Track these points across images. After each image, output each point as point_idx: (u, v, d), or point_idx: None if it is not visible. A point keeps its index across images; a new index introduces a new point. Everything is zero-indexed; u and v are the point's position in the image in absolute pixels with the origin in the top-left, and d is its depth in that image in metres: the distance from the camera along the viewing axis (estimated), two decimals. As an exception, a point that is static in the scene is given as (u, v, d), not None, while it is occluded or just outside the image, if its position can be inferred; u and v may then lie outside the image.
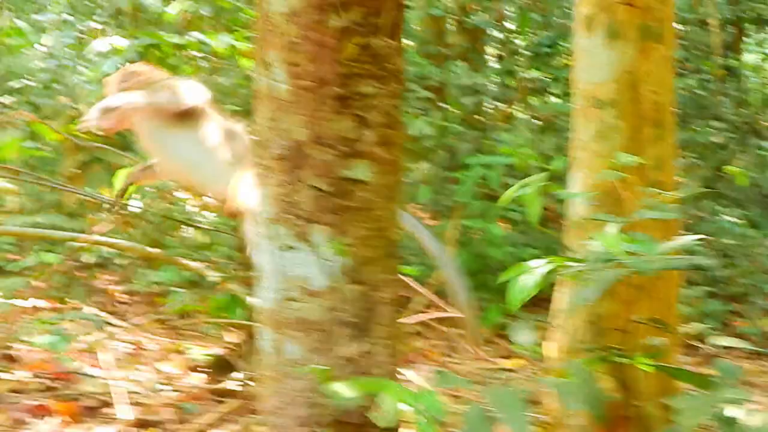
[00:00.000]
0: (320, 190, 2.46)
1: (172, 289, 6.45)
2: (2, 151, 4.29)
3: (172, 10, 4.89)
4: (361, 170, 2.47)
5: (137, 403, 3.81)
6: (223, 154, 3.64)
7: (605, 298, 2.68)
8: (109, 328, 5.41)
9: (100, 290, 6.38)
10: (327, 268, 2.46)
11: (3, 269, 7.33)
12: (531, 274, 2.51)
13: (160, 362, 4.93)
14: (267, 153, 2.51)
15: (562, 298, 3.43)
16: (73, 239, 5.08)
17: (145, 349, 5.17)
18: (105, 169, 6.43)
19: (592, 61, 3.36)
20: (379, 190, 2.51)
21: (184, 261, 4.66)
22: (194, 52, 4.89)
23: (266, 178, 2.52)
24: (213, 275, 4.33)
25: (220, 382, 4.17)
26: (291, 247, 2.48)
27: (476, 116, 8.49)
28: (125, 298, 6.73)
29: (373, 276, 2.51)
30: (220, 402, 3.93)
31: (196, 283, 6.37)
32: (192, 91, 3.69)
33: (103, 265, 6.68)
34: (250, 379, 3.96)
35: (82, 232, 5.65)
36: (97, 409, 3.78)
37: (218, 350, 4.59)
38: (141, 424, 3.61)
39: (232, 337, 4.61)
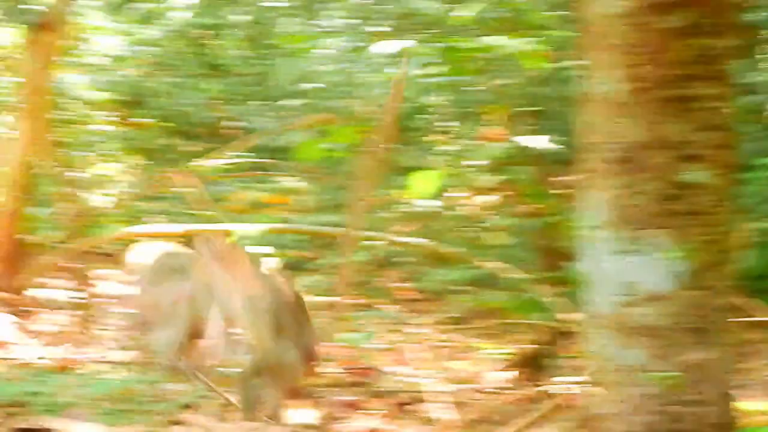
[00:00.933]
0: (657, 193, 2.41)
1: (460, 288, 6.55)
2: (301, 153, 4.47)
3: (465, 13, 4.93)
4: (698, 173, 2.41)
5: (448, 402, 3.85)
6: None
7: None
8: (402, 326, 5.55)
9: (387, 288, 6.56)
10: (668, 273, 2.40)
11: (301, 267, 7.68)
12: None
13: (455, 360, 5.00)
14: (599, 157, 2.48)
15: None
16: (369, 238, 5.24)
17: (438, 348, 5.26)
18: (392, 170, 6.59)
19: None
20: (716, 193, 2.43)
21: (482, 260, 4.69)
22: (484, 55, 4.91)
23: (598, 182, 2.50)
24: (512, 275, 4.34)
25: (528, 382, 4.17)
26: (627, 252, 2.44)
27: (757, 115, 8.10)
28: (414, 296, 6.88)
29: (713, 281, 2.43)
30: (525, 401, 3.93)
31: (483, 282, 6.42)
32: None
33: (388, 264, 6.85)
34: (569, 383, 3.94)
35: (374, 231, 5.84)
36: (406, 405, 3.87)
37: (521, 349, 4.58)
38: (456, 423, 3.64)
39: (529, 337, 4.61)
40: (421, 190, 3.98)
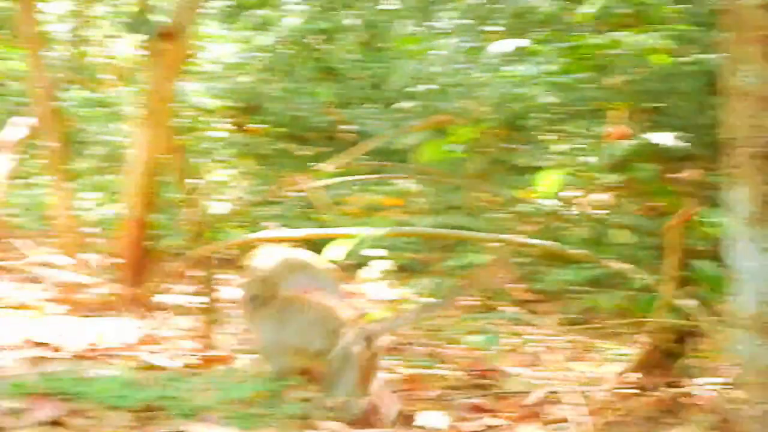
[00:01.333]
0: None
1: (580, 288, 6.45)
2: (423, 154, 4.46)
3: (588, 10, 4.85)
4: None
5: (575, 404, 3.79)
6: None
7: None
8: (520, 327, 5.50)
9: (507, 290, 6.51)
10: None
11: (413, 269, 7.68)
12: None
13: (577, 361, 4.93)
14: (743, 152, 2.41)
15: None
16: (490, 240, 5.19)
17: (560, 348, 5.19)
18: (508, 170, 6.55)
19: None
20: None
21: (605, 260, 4.60)
22: (608, 51, 4.83)
23: (742, 177, 2.42)
24: (636, 275, 4.24)
25: (656, 383, 4.08)
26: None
27: None
28: (532, 297, 6.82)
29: None
30: (657, 403, 3.84)
31: (604, 282, 6.32)
32: None
33: (507, 265, 6.79)
34: (703, 384, 3.84)
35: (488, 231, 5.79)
36: (532, 407, 3.82)
37: (646, 350, 4.48)
38: (588, 426, 3.58)
39: (654, 338, 4.51)
40: (544, 189, 3.91)
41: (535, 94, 5.96)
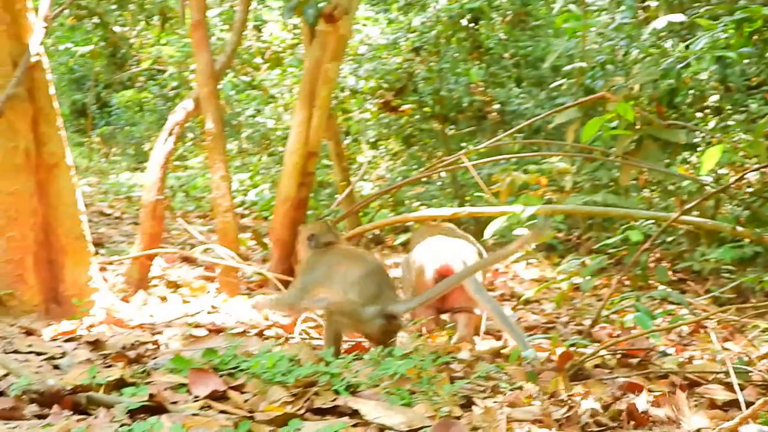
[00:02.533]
0: None
1: (733, 267, 6.31)
2: (585, 133, 4.42)
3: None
4: None
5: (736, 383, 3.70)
6: None
7: None
8: (672, 306, 5.40)
9: (658, 269, 6.41)
10: None
11: (554, 247, 7.64)
12: None
13: (730, 341, 4.82)
14: None
15: None
16: (649, 217, 5.13)
17: (705, 328, 5.08)
18: (660, 147, 6.43)
19: None
20: None
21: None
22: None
23: None
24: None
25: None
26: None
27: None
28: (684, 276, 6.70)
29: None
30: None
31: (755, 261, 6.16)
32: None
33: (658, 243, 6.68)
34: None
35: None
36: (688, 387, 3.75)
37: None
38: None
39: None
40: (706, 166, 3.82)
41: (695, 69, 5.83)
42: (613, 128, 5.50)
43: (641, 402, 3.29)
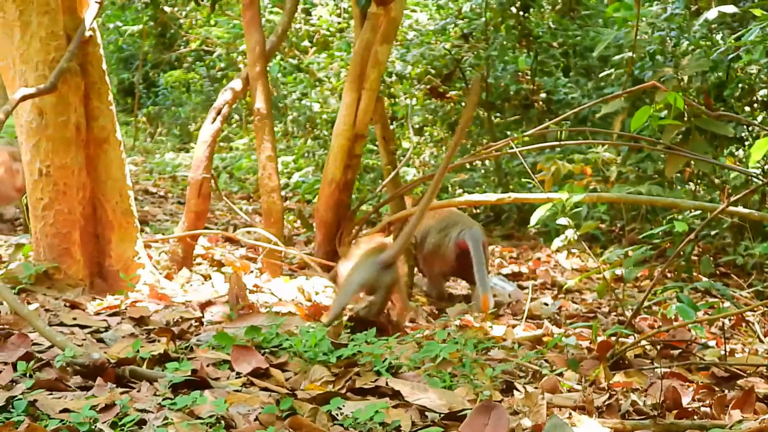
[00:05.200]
0: None
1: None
2: (635, 122, 4.38)
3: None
4: None
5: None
6: None
7: None
8: (714, 299, 5.36)
9: (702, 261, 6.37)
10: None
11: (597, 237, 7.61)
12: None
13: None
14: None
15: None
16: (696, 207, 5.10)
17: (747, 321, 5.04)
18: (708, 139, 6.38)
19: None
20: None
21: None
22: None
23: None
24: None
25: None
26: None
27: None
28: (726, 269, 6.65)
29: None
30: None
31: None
32: None
33: (698, 236, 6.64)
34: None
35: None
36: (729, 379, 3.74)
37: None
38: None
39: None
40: (756, 157, 3.77)
41: (746, 61, 5.78)
42: (662, 119, 5.45)
43: (682, 392, 3.28)
